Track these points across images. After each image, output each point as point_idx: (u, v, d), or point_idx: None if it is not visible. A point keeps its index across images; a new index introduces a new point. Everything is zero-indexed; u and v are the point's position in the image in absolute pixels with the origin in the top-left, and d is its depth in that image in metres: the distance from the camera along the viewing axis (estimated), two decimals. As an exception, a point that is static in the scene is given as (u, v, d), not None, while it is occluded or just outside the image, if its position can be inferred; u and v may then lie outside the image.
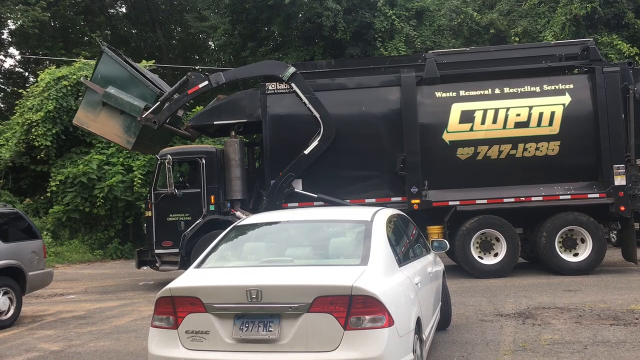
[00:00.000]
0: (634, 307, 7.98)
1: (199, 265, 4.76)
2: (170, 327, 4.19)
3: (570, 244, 11.42)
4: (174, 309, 4.19)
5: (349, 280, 4.00)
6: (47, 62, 28.37)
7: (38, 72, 23.04)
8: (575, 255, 11.40)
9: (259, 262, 4.81)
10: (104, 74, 12.91)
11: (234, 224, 5.59)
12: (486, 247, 11.59)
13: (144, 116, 12.22)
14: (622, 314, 7.61)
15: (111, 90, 12.64)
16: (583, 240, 11.38)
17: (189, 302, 4.16)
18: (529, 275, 11.43)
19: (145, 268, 12.58)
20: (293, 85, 11.95)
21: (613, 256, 12.93)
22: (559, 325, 7.16)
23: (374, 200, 11.61)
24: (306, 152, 11.81)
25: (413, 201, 11.57)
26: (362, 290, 3.92)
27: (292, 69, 12.08)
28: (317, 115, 11.83)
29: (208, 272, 4.64)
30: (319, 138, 11.78)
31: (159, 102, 12.33)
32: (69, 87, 19.78)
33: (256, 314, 4.04)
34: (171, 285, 4.32)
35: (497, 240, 11.54)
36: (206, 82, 12.28)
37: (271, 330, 3.99)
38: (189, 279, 4.50)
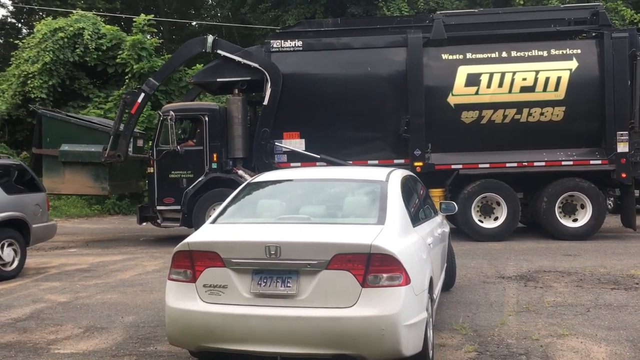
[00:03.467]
0: (634, 272, 8.10)
1: (214, 221, 4.75)
2: (188, 280, 4.22)
3: (570, 210, 11.51)
4: (191, 263, 4.22)
5: (368, 239, 4.02)
6: (42, 13, 27.76)
7: (32, 24, 22.55)
8: (575, 220, 11.50)
9: (275, 219, 4.81)
10: (52, 135, 12.76)
11: (247, 181, 5.59)
12: (487, 210, 11.67)
13: (106, 156, 12.21)
14: (622, 278, 7.73)
15: (65, 147, 12.51)
16: (583, 206, 11.47)
17: (207, 257, 4.18)
18: (528, 240, 11.55)
19: (146, 224, 12.62)
20: (220, 51, 12.04)
21: (610, 223, 13.05)
22: (560, 288, 7.26)
23: (376, 162, 11.56)
24: (265, 102, 11.81)
25: (416, 164, 11.56)
26: (380, 249, 3.96)
27: (210, 38, 12.24)
28: (256, 65, 11.82)
29: (225, 227, 4.65)
30: (269, 84, 11.71)
31: (112, 137, 12.30)
32: (65, 39, 19.43)
33: (275, 269, 4.07)
34: (189, 239, 4.33)
35: (498, 204, 11.61)
36: (142, 94, 12.33)
37: (289, 286, 4.02)
38: (207, 233, 4.51)
